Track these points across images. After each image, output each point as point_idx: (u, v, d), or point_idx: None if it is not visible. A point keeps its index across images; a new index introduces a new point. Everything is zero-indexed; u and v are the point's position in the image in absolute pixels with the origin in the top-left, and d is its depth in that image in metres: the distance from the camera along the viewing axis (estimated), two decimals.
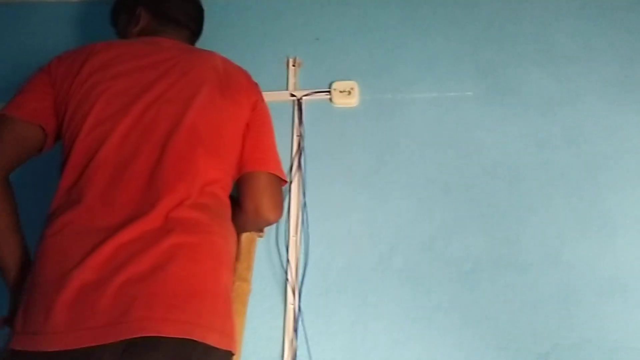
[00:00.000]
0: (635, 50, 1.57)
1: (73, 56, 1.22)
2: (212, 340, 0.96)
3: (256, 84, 1.34)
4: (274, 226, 1.46)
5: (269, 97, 1.57)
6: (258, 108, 1.29)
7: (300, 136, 1.55)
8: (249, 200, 1.20)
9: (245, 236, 1.35)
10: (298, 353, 1.34)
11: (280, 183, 1.27)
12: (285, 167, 1.51)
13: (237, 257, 1.32)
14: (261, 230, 1.41)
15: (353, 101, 1.58)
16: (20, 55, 1.75)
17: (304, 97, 1.59)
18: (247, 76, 1.33)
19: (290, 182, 1.50)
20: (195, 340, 0.93)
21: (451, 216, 1.45)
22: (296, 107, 1.59)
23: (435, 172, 1.49)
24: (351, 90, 1.58)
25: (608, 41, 1.59)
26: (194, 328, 0.94)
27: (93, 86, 1.14)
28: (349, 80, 1.60)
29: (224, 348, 0.99)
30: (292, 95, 1.60)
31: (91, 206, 1.02)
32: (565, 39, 1.60)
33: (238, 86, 1.26)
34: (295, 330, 1.36)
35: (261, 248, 1.44)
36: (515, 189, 1.46)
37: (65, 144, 1.14)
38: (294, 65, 1.65)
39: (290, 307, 1.39)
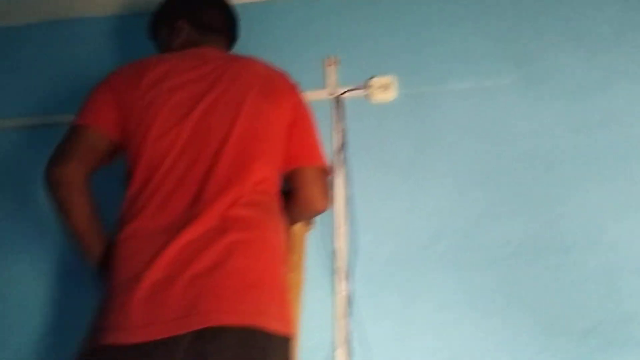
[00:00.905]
0: None
1: (130, 70, 1.30)
2: (272, 327, 1.04)
3: (295, 85, 1.39)
4: (322, 218, 1.53)
5: (308, 96, 1.65)
6: (299, 107, 1.34)
7: (342, 132, 1.61)
8: (300, 194, 1.29)
9: (296, 229, 1.43)
10: (349, 338, 1.41)
11: (325, 174, 1.34)
12: (328, 161, 1.58)
13: (289, 249, 1.40)
14: (310, 223, 1.48)
15: (391, 96, 1.63)
16: (66, 69, 1.84)
17: (343, 94, 1.65)
18: (287, 79, 1.38)
19: (335, 176, 1.57)
20: (256, 328, 1.02)
21: (491, 202, 1.50)
22: (336, 105, 1.65)
23: (474, 161, 1.54)
24: (389, 86, 1.63)
25: None
26: (255, 317, 1.03)
27: (152, 100, 1.22)
28: (387, 75, 1.65)
29: (283, 334, 1.07)
30: (331, 94, 1.66)
31: (154, 212, 1.12)
32: (599, 24, 1.62)
33: (280, 89, 1.32)
34: (347, 316, 1.43)
35: (311, 240, 1.51)
36: (553, 174, 1.50)
37: (129, 155, 1.23)
38: (331, 65, 1.71)
39: (340, 294, 1.46)
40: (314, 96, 1.66)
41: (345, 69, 1.70)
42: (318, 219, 1.52)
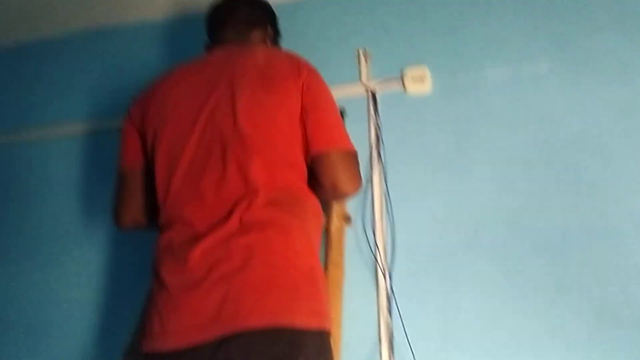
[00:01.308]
0: None
1: (142, 96, 1.34)
2: (301, 323, 1.03)
3: (304, 65, 1.28)
4: (360, 214, 1.53)
5: (342, 91, 1.65)
6: (310, 88, 1.24)
7: (377, 126, 1.60)
8: (325, 180, 1.21)
9: (334, 226, 1.43)
10: (394, 333, 1.41)
11: (350, 154, 1.24)
12: (364, 157, 1.58)
13: (329, 245, 1.41)
14: (349, 219, 1.48)
15: (426, 86, 1.60)
16: (114, 77, 1.91)
17: (377, 88, 1.64)
18: (291, 61, 1.28)
19: (372, 172, 1.56)
20: (281, 326, 1.02)
21: (535, 191, 1.46)
22: (370, 98, 1.64)
23: (515, 149, 1.50)
24: (423, 77, 1.60)
25: None
26: (279, 315, 1.02)
27: (160, 120, 1.26)
28: (420, 65, 1.62)
29: (316, 328, 1.06)
30: (366, 88, 1.65)
31: (177, 224, 1.16)
32: None
33: (281, 74, 1.24)
34: (390, 311, 1.43)
35: (350, 236, 1.51)
36: (599, 159, 1.44)
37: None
38: (364, 57, 1.69)
39: (382, 290, 1.46)
40: (348, 90, 1.65)
41: (379, 62, 1.68)
42: (357, 215, 1.53)
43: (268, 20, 1.47)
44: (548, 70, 1.54)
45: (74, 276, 1.72)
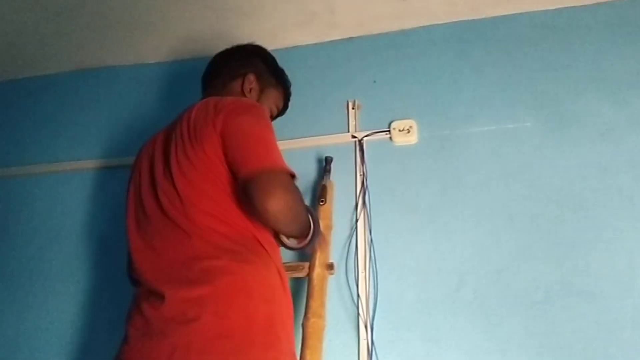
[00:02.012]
0: None
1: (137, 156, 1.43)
2: None
3: (226, 105, 1.25)
4: (343, 263, 1.52)
5: (331, 139, 1.69)
6: (227, 123, 1.21)
7: (364, 175, 1.61)
8: (250, 205, 1.15)
9: (316, 274, 1.42)
10: None
11: (267, 172, 1.15)
12: (350, 206, 1.59)
13: (310, 294, 1.39)
14: (331, 268, 1.47)
15: (412, 139, 1.64)
16: (112, 117, 1.95)
17: (365, 138, 1.66)
18: (217, 104, 1.26)
19: (357, 220, 1.56)
20: None
21: (518, 246, 1.46)
22: (358, 148, 1.66)
23: (499, 204, 1.52)
24: (410, 129, 1.63)
25: None
26: None
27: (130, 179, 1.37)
28: (408, 119, 1.65)
29: None
30: (354, 137, 1.67)
31: (139, 280, 1.22)
32: (621, 64, 1.59)
33: (204, 122, 1.23)
34: None
35: (332, 285, 1.50)
36: (581, 217, 1.46)
37: None
38: (353, 108, 1.73)
39: (363, 341, 1.43)
40: (336, 139, 1.68)
41: (367, 113, 1.72)
42: (341, 263, 1.52)
43: (250, 68, 1.49)
44: (531, 128, 1.58)
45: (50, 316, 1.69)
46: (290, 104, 1.64)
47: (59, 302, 1.70)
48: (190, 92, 1.53)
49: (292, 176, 1.21)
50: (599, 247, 1.42)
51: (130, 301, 1.22)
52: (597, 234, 1.43)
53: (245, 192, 1.14)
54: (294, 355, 1.18)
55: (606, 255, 1.41)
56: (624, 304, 1.35)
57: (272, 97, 1.54)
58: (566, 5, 1.69)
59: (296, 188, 1.21)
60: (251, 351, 1.05)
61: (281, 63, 1.58)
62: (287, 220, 1.16)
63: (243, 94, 1.45)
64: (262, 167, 1.15)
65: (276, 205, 1.11)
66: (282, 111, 1.61)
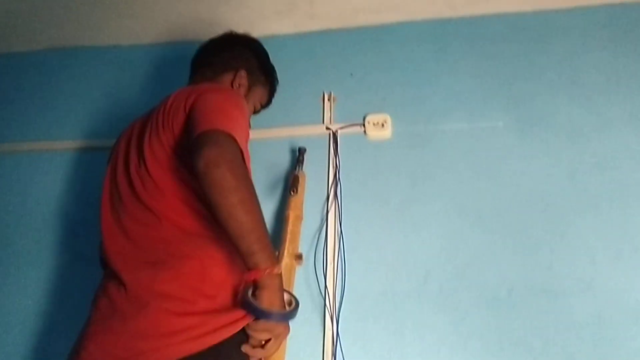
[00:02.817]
0: None
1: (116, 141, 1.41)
2: (189, 349, 1.01)
3: (200, 89, 1.23)
4: (312, 254, 1.52)
5: (305, 130, 1.68)
6: (196, 100, 1.18)
7: (336, 168, 1.61)
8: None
9: (284, 264, 1.41)
10: None
11: (209, 131, 1.07)
12: (321, 197, 1.59)
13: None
14: (300, 258, 1.47)
15: (386, 133, 1.65)
16: (87, 98, 1.92)
17: (339, 130, 1.66)
18: (194, 90, 1.23)
19: (327, 212, 1.56)
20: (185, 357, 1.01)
21: (484, 244, 1.48)
22: (332, 140, 1.66)
23: (468, 201, 1.53)
24: (384, 123, 1.64)
25: (635, 70, 1.61)
26: (155, 353, 1.01)
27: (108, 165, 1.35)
28: (383, 113, 1.66)
29: (208, 346, 1.02)
30: (328, 129, 1.67)
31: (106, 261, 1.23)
32: (593, 69, 1.63)
33: (178, 105, 1.21)
34: (334, 355, 1.41)
35: (300, 276, 1.50)
36: (547, 217, 1.48)
37: None
38: (329, 100, 1.73)
39: (328, 332, 1.44)
40: (311, 131, 1.68)
41: (342, 106, 1.72)
42: (309, 254, 1.52)
43: (243, 63, 1.48)
44: (503, 127, 1.61)
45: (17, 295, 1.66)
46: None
47: (27, 284, 1.66)
48: (166, 76, 1.52)
49: (240, 149, 1.09)
50: (563, 246, 1.45)
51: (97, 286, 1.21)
52: (562, 233, 1.46)
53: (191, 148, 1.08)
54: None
55: (569, 254, 1.43)
56: (584, 302, 1.38)
57: (258, 95, 1.54)
58: (542, 8, 1.72)
59: (231, 150, 1.06)
60: (216, 334, 1.04)
61: None
62: (211, 179, 1.00)
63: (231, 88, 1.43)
64: (206, 129, 1.07)
65: (200, 161, 1.01)
66: (264, 106, 1.61)
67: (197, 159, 1.01)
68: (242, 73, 1.46)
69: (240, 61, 1.48)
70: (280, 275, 1.08)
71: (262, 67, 1.54)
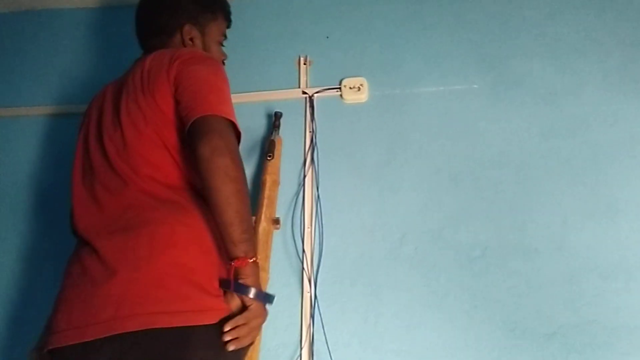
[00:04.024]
0: (636, 40, 1.59)
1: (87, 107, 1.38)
2: (181, 321, 1.01)
3: (180, 54, 1.22)
4: (289, 219, 1.53)
5: (281, 95, 1.67)
6: (181, 70, 1.19)
7: (313, 132, 1.61)
8: (192, 148, 1.12)
9: (262, 228, 1.42)
10: (315, 338, 1.41)
11: (210, 118, 1.12)
12: (298, 162, 1.59)
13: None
14: (277, 222, 1.48)
15: (362, 97, 1.64)
16: (54, 62, 1.88)
17: (315, 94, 1.65)
18: (173, 55, 1.23)
19: (304, 177, 1.57)
20: (162, 327, 1.00)
21: (459, 205, 1.50)
22: (308, 104, 1.65)
23: (443, 163, 1.55)
24: (360, 87, 1.64)
25: (610, 32, 1.61)
26: (155, 318, 1.01)
27: (81, 131, 1.33)
28: (359, 77, 1.65)
29: (203, 323, 1.03)
30: (304, 93, 1.66)
31: (77, 228, 1.22)
32: (568, 31, 1.63)
33: (157, 72, 1.20)
34: (312, 316, 1.43)
35: (278, 240, 1.51)
36: (521, 178, 1.50)
37: None
38: (305, 64, 1.71)
39: (306, 295, 1.46)
40: (286, 95, 1.67)
41: (318, 69, 1.71)
42: (287, 218, 1.53)
43: (181, 17, 1.40)
44: (478, 89, 1.61)
45: None
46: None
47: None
48: (134, 39, 1.48)
49: (238, 132, 1.17)
50: (536, 207, 1.47)
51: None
52: (535, 195, 1.48)
53: (189, 134, 1.13)
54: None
55: (542, 214, 1.46)
56: (556, 261, 1.41)
57: (215, 31, 1.45)
58: None
59: (234, 141, 1.14)
60: (188, 301, 1.04)
61: (233, 15, 1.53)
62: (215, 166, 1.07)
63: (182, 46, 1.38)
64: (208, 114, 1.12)
65: (206, 148, 1.07)
66: (228, 28, 1.52)
67: (202, 145, 1.07)
68: (187, 28, 1.39)
69: (178, 17, 1.39)
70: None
71: (201, 5, 1.43)
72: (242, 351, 1.12)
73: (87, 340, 1.01)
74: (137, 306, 1.01)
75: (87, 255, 1.11)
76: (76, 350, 1.01)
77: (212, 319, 1.05)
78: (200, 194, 1.17)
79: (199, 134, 1.10)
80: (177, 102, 1.17)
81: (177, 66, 1.19)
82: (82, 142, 1.29)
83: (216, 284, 1.09)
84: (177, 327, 1.01)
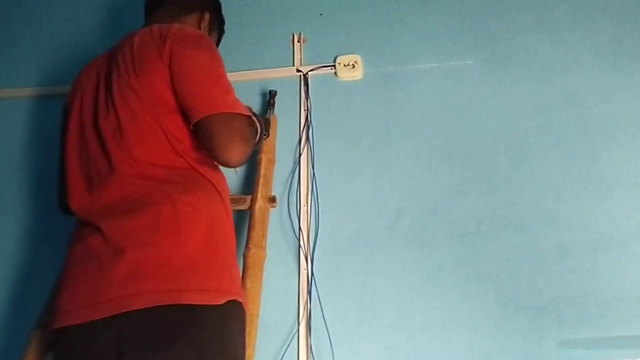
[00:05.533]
0: (629, 15, 1.59)
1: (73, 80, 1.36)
2: (190, 299, 1.02)
3: (171, 33, 1.20)
4: (285, 197, 1.54)
5: (275, 73, 1.67)
6: (176, 54, 1.17)
7: (307, 110, 1.61)
8: (204, 148, 1.16)
9: (258, 207, 1.43)
10: (312, 314, 1.43)
11: (226, 118, 1.13)
12: (293, 140, 1.59)
13: (251, 226, 1.41)
14: (273, 201, 1.49)
15: (357, 74, 1.64)
16: (44, 42, 1.87)
17: (309, 72, 1.65)
18: (160, 33, 1.21)
19: (300, 155, 1.57)
20: (169, 305, 1.00)
21: (454, 181, 1.51)
22: (302, 82, 1.65)
23: (437, 139, 1.55)
24: (355, 64, 1.63)
25: (603, 7, 1.61)
26: (164, 296, 1.01)
27: (67, 109, 1.30)
28: (353, 54, 1.65)
29: (209, 303, 1.04)
30: (298, 71, 1.66)
31: (78, 211, 1.21)
32: (562, 6, 1.63)
33: (148, 51, 1.19)
34: (309, 293, 1.45)
35: (274, 217, 1.52)
36: (514, 153, 1.51)
37: None
38: (299, 42, 1.71)
39: (303, 272, 1.48)
40: (281, 73, 1.67)
41: (312, 47, 1.70)
42: (283, 196, 1.54)
43: (207, 6, 1.43)
44: (473, 66, 1.61)
45: None
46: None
47: None
48: (127, 19, 1.47)
49: (249, 116, 1.19)
50: (529, 182, 1.48)
51: (70, 233, 1.20)
52: (528, 169, 1.50)
53: (199, 134, 1.13)
54: (238, 283, 1.17)
55: (535, 189, 1.47)
56: (548, 235, 1.43)
57: (214, 38, 1.49)
58: None
59: (252, 131, 1.20)
60: (193, 279, 1.05)
61: None
62: (242, 163, 1.14)
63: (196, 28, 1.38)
64: (219, 111, 1.12)
65: (237, 157, 1.11)
66: None
67: (227, 153, 1.10)
68: (207, 16, 1.41)
69: (204, 3, 1.43)
70: None
71: (217, 14, 1.48)
72: (243, 330, 1.14)
73: (94, 319, 1.01)
74: (145, 284, 1.01)
75: (90, 235, 1.10)
76: (81, 329, 1.02)
77: (218, 300, 1.06)
78: (201, 174, 1.18)
79: (217, 139, 1.10)
80: (176, 90, 1.15)
81: (170, 45, 1.17)
82: (76, 123, 1.25)
83: (221, 262, 1.11)
84: (183, 305, 1.01)
